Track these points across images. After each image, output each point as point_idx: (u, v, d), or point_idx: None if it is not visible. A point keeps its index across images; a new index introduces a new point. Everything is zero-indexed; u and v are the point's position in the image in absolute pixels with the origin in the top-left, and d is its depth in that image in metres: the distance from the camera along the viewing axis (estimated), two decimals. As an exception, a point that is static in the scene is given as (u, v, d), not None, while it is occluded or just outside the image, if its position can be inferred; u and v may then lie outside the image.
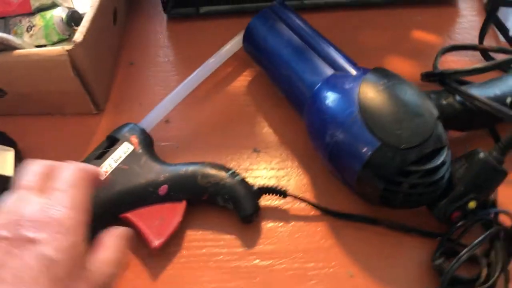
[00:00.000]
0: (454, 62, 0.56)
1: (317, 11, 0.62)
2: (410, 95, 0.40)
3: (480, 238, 0.40)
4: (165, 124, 0.53)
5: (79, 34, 0.46)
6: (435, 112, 0.40)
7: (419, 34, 0.60)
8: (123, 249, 0.33)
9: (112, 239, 0.33)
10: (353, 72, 0.44)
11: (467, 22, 0.60)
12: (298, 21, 0.50)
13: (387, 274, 0.42)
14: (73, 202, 0.31)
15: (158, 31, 0.63)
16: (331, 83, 0.43)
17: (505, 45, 0.57)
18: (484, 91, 0.47)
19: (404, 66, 0.56)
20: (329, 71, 0.45)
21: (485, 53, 0.55)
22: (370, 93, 0.40)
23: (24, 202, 0.31)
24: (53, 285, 0.27)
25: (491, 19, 0.54)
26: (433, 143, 0.38)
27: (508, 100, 0.46)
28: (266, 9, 0.51)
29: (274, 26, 0.50)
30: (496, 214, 0.44)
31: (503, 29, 0.56)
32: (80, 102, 0.52)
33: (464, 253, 0.40)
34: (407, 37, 0.59)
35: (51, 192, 0.31)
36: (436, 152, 0.39)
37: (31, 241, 0.28)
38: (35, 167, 0.34)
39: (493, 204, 0.45)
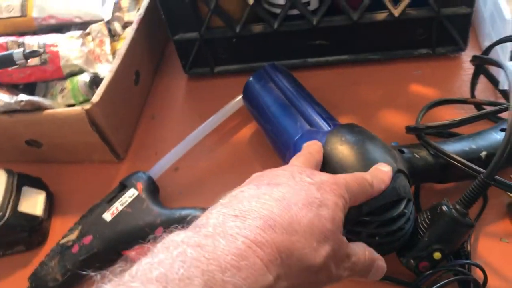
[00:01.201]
0: (450, 115, 0.58)
1: (319, 68, 0.66)
2: (371, 150, 0.44)
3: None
4: (174, 172, 0.60)
5: (96, 95, 0.54)
6: (395, 166, 0.43)
7: (416, 88, 0.62)
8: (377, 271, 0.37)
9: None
10: (324, 128, 0.48)
11: (467, 75, 0.62)
12: (285, 81, 0.55)
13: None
14: (342, 180, 0.36)
15: (179, 88, 0.71)
16: (305, 138, 0.48)
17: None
18: (460, 145, 0.49)
19: (397, 120, 0.59)
20: (306, 127, 0.49)
21: (478, 106, 0.56)
22: (332, 147, 0.44)
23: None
24: (317, 221, 0.31)
25: (477, 75, 0.55)
26: (389, 195, 0.41)
27: (483, 154, 0.48)
28: (260, 70, 0.57)
29: (265, 85, 0.56)
30: (467, 265, 0.45)
31: (494, 82, 0.57)
32: (102, 152, 0.60)
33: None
34: (405, 91, 0.62)
35: None
36: (395, 203, 0.42)
37: (305, 180, 0.34)
38: None
39: (466, 255, 0.46)
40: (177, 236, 0.28)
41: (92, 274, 0.27)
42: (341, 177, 0.37)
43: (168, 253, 0.27)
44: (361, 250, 0.36)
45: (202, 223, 0.30)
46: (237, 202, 0.31)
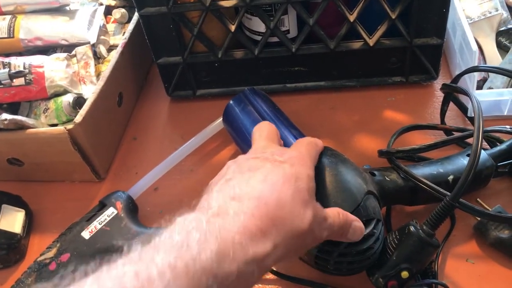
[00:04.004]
0: (422, 140, 0.60)
1: (298, 93, 0.69)
2: (342, 172, 0.45)
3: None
4: (154, 191, 0.61)
5: (79, 116, 0.56)
6: (365, 188, 0.45)
7: (390, 114, 0.65)
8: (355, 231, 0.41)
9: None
10: (299, 150, 0.50)
11: (439, 103, 0.65)
12: (263, 105, 0.57)
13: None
14: (305, 151, 0.42)
15: (161, 110, 0.72)
16: (280, 160, 0.49)
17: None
18: (429, 169, 0.51)
19: (370, 144, 0.61)
20: (281, 149, 0.51)
21: (448, 132, 0.59)
22: (305, 169, 0.46)
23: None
24: (297, 194, 0.36)
25: (447, 103, 0.58)
26: (358, 216, 0.43)
27: (450, 178, 0.50)
28: (240, 94, 0.59)
29: (245, 108, 0.58)
30: (434, 285, 0.47)
31: (463, 109, 0.60)
32: (83, 171, 0.61)
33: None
34: (379, 117, 0.65)
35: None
36: (364, 223, 0.43)
37: (277, 160, 0.38)
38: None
39: (433, 275, 0.48)
40: (189, 216, 0.33)
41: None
42: (302, 149, 0.42)
43: (184, 228, 0.31)
44: (334, 213, 0.40)
45: (206, 206, 0.35)
46: (229, 188, 0.36)
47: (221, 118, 0.62)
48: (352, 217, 0.41)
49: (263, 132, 0.45)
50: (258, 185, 0.36)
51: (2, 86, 0.48)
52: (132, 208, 0.56)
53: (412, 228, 0.44)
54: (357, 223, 0.41)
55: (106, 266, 0.30)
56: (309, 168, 0.40)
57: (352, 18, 0.60)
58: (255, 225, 0.33)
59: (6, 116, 0.56)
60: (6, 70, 0.47)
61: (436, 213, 0.44)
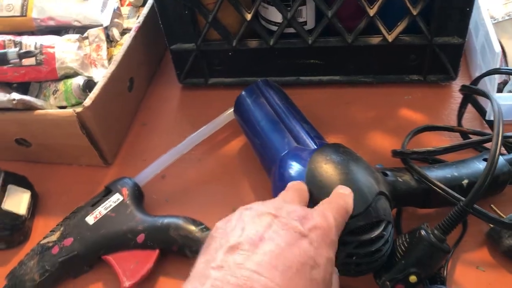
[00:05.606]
0: (437, 141, 0.59)
1: (312, 86, 0.67)
2: (354, 170, 0.44)
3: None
4: (161, 179, 0.60)
5: (89, 99, 0.55)
6: (377, 189, 0.44)
7: (405, 113, 0.63)
8: None
9: None
10: (311, 146, 0.49)
11: (456, 104, 0.63)
12: (276, 97, 0.56)
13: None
14: (333, 221, 0.36)
15: (172, 97, 0.71)
16: (291, 154, 0.48)
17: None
18: (443, 172, 0.49)
19: (384, 142, 0.60)
20: (293, 144, 0.50)
21: (464, 135, 0.57)
22: (317, 166, 0.44)
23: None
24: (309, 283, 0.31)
25: (465, 105, 0.56)
26: (368, 217, 0.42)
27: (464, 182, 0.48)
28: (252, 85, 0.58)
29: (257, 100, 0.56)
30: (443, 291, 0.46)
31: (482, 112, 0.58)
32: (90, 155, 0.60)
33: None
34: (394, 115, 0.63)
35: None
36: (374, 225, 0.42)
37: (297, 230, 0.33)
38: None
39: (442, 281, 0.46)
40: None
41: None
42: (330, 218, 0.37)
43: None
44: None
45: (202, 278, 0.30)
46: (232, 269, 0.31)
47: (232, 109, 0.61)
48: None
49: (296, 187, 0.42)
50: (265, 269, 0.31)
51: (11, 65, 0.48)
52: (138, 195, 0.55)
53: (423, 232, 0.43)
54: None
55: None
56: (332, 247, 0.35)
57: (372, 12, 0.58)
58: None
59: (15, 96, 0.55)
60: (16, 49, 0.47)
61: (449, 218, 0.43)
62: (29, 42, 0.61)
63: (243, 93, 0.58)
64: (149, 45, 0.70)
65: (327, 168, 0.44)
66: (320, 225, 0.35)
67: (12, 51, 0.46)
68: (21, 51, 0.47)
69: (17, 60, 0.46)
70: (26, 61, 0.55)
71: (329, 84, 0.67)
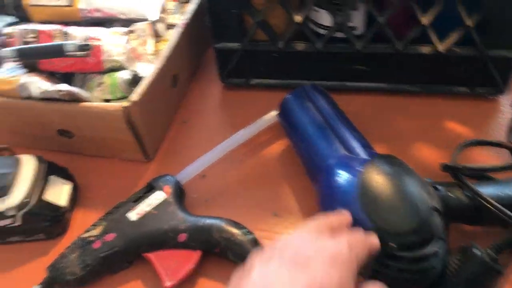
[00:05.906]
0: (484, 156, 0.58)
1: (357, 93, 0.66)
2: (408, 184, 0.43)
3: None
4: (201, 179, 0.60)
5: (136, 94, 0.55)
6: (431, 204, 0.43)
7: (451, 125, 0.62)
8: None
9: None
10: (362, 155, 0.48)
11: (504, 119, 0.62)
12: (324, 103, 0.55)
13: None
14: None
15: (213, 96, 0.71)
16: (340, 163, 0.48)
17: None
18: (495, 189, 0.48)
19: (429, 155, 0.58)
20: (342, 151, 0.49)
21: (514, 151, 0.56)
22: (370, 177, 0.43)
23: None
24: None
25: (518, 120, 0.55)
26: (422, 233, 0.41)
27: (518, 201, 0.47)
28: (299, 89, 0.57)
29: (303, 104, 0.56)
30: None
31: (534, 130, 0.57)
32: (132, 150, 0.60)
33: None
34: (439, 127, 0.62)
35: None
36: (427, 241, 0.41)
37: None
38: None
39: (491, 302, 0.45)
40: None
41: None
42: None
43: None
44: None
45: None
46: None
47: (276, 111, 0.60)
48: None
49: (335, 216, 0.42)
50: None
51: (64, 56, 0.47)
52: (180, 194, 0.55)
53: (475, 250, 0.42)
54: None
55: None
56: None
57: (425, 21, 0.57)
58: None
59: (62, 87, 0.55)
60: (75, 42, 0.46)
61: (508, 238, 0.42)
62: (76, 33, 0.61)
63: (290, 96, 0.58)
64: (193, 42, 0.70)
65: (381, 179, 0.43)
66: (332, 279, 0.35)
67: (71, 43, 0.46)
68: (81, 43, 0.46)
69: (76, 52, 0.46)
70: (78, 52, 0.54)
71: (374, 91, 0.66)
